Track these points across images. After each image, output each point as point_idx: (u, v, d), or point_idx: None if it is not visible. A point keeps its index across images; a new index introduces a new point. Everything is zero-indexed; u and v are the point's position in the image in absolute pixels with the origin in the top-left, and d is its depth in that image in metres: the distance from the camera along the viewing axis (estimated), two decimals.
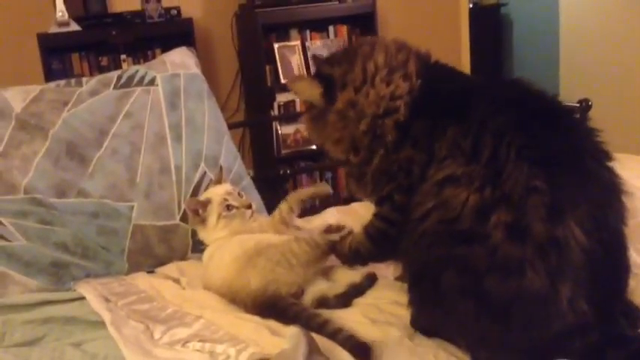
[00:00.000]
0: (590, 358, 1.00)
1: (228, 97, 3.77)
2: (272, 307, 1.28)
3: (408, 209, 1.16)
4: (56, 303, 1.44)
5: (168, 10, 3.37)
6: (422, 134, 1.16)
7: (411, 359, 1.10)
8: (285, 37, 3.80)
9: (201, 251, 1.57)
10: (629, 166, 1.89)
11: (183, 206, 1.68)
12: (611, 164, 1.08)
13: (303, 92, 1.35)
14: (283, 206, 1.61)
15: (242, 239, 1.46)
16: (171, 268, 1.63)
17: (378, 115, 1.21)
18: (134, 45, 3.38)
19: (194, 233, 1.65)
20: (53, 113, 1.64)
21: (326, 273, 1.43)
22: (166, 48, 2.04)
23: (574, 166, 1.03)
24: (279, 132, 3.64)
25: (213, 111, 1.88)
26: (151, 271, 1.64)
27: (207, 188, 1.67)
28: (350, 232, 1.40)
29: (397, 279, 1.39)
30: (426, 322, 1.18)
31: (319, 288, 1.36)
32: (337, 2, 3.78)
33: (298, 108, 3.74)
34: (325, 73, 1.31)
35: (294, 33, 3.81)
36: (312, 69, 1.43)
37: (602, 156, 1.09)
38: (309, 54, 3.61)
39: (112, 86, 1.75)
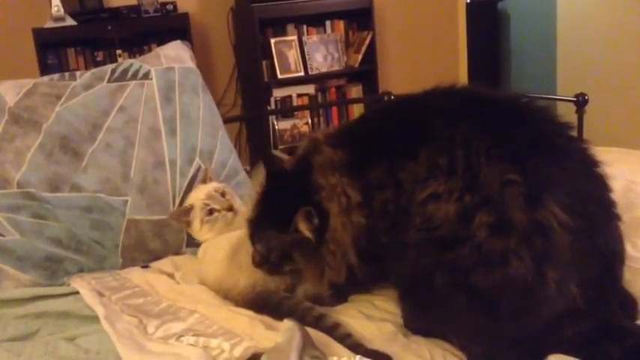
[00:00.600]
0: (586, 351, 1.00)
1: (225, 92, 3.77)
2: (264, 302, 1.28)
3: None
4: (50, 297, 1.44)
5: (164, 4, 3.36)
6: (382, 178, 1.14)
7: (406, 355, 1.09)
8: (281, 32, 3.79)
9: (196, 246, 1.57)
10: (626, 160, 1.89)
11: (177, 201, 1.67)
12: (576, 138, 1.12)
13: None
14: None
15: (231, 235, 1.46)
16: (165, 263, 1.62)
17: (356, 235, 1.18)
18: (130, 40, 3.38)
19: None
20: (47, 107, 1.63)
21: None
22: (162, 43, 2.04)
23: (542, 149, 1.04)
24: (276, 127, 3.63)
25: (208, 105, 1.87)
26: (145, 266, 1.63)
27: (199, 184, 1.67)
28: None
29: None
30: (420, 324, 1.18)
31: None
32: None
33: (295, 103, 3.74)
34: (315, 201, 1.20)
35: (290, 28, 3.81)
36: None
37: (566, 132, 1.11)
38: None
39: (106, 80, 1.74)
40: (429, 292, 1.06)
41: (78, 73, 1.76)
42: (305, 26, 3.84)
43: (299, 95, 3.79)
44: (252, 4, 3.49)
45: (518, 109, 1.14)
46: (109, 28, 3.28)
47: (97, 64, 3.24)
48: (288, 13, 3.71)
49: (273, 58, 3.69)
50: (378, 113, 1.34)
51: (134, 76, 1.76)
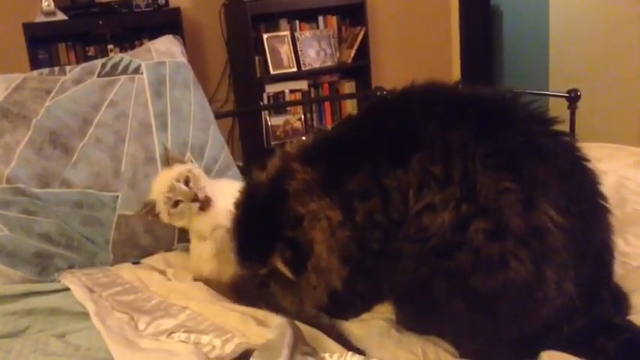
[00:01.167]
0: (581, 347, 1.00)
1: (218, 87, 3.76)
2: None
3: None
4: (40, 294, 1.42)
5: None
6: (365, 187, 1.10)
7: (398, 351, 1.09)
8: (274, 27, 3.79)
9: (188, 241, 1.55)
10: (618, 155, 1.90)
11: None
12: (564, 133, 1.10)
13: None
14: None
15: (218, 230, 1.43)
16: (157, 259, 1.61)
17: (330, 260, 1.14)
18: (121, 35, 3.36)
19: None
20: (36, 102, 1.61)
21: None
22: (154, 38, 2.02)
23: (534, 152, 1.03)
24: (269, 123, 3.63)
25: (200, 100, 1.86)
26: (136, 262, 1.62)
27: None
28: None
29: None
30: (415, 325, 1.16)
31: None
32: None
33: (288, 99, 3.73)
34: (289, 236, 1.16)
35: (283, 23, 3.81)
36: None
37: (554, 129, 1.10)
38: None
39: (96, 74, 1.72)
40: (428, 299, 1.05)
41: (68, 67, 1.75)
42: (298, 22, 3.84)
43: (292, 91, 3.79)
44: (245, 0, 3.48)
45: (506, 108, 1.11)
46: (100, 22, 3.26)
47: (88, 59, 3.21)
48: (281, 8, 3.71)
49: (265, 53, 3.68)
50: (358, 118, 1.28)
51: (124, 71, 1.75)
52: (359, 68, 3.90)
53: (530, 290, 0.97)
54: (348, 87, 3.98)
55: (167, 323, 1.24)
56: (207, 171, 1.74)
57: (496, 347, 1.04)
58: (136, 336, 1.21)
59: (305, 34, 3.82)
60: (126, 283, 1.47)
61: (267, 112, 3.67)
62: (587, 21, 3.79)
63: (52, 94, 1.64)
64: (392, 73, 4.00)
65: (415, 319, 1.15)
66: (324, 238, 1.12)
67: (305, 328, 1.12)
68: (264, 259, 1.16)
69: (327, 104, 3.98)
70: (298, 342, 1.06)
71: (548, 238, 0.97)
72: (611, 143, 2.02)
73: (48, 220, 1.52)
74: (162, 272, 1.53)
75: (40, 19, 3.22)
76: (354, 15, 3.94)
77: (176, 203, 1.42)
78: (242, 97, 3.79)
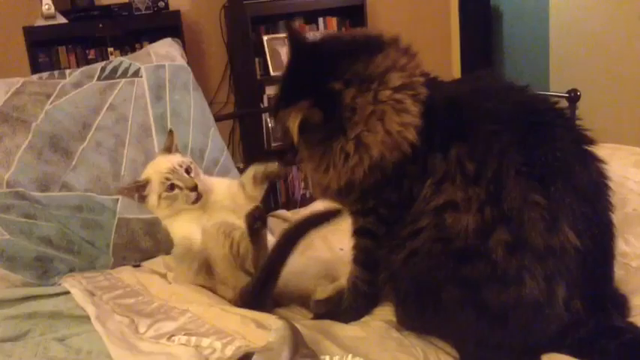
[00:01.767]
0: (582, 351, 1.00)
1: (218, 89, 3.75)
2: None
3: (391, 223, 1.13)
4: (40, 298, 1.43)
5: (155, 2, 3.34)
6: (422, 149, 1.08)
7: (399, 353, 1.09)
8: (274, 29, 3.78)
9: None
10: (618, 155, 1.90)
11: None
12: (599, 162, 1.08)
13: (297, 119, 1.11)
14: (247, 184, 1.49)
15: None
16: (157, 263, 1.62)
17: (383, 155, 1.09)
18: (122, 38, 3.36)
19: None
20: (36, 106, 1.62)
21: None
22: (154, 41, 2.03)
23: (567, 173, 1.02)
24: (269, 125, 3.62)
25: (199, 102, 1.86)
26: (136, 265, 1.62)
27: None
28: None
29: None
30: (417, 326, 1.16)
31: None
32: None
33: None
34: (331, 89, 1.10)
35: (283, 25, 3.79)
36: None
37: (590, 150, 1.08)
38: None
39: (96, 78, 1.73)
40: (435, 303, 1.05)
41: (67, 71, 1.75)
42: (298, 23, 3.83)
43: None
44: (245, 2, 3.47)
45: (554, 121, 1.08)
46: (101, 26, 3.26)
47: (88, 63, 3.22)
48: (281, 10, 3.70)
49: (265, 55, 3.67)
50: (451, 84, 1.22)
51: (124, 74, 1.76)
52: None
53: (541, 308, 0.98)
54: None
55: (168, 326, 1.24)
56: (208, 173, 1.73)
57: (497, 353, 1.04)
58: (137, 339, 1.21)
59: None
60: (126, 286, 1.47)
61: (267, 114, 3.66)
62: (587, 21, 3.78)
63: (51, 98, 1.64)
64: None
65: (418, 320, 1.14)
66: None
67: (305, 331, 1.11)
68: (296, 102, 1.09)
69: None
70: (298, 344, 1.06)
71: (564, 258, 0.98)
72: (611, 143, 2.02)
73: (48, 224, 1.53)
74: (163, 275, 1.53)
75: (41, 22, 3.22)
76: (354, 16, 3.93)
77: (172, 187, 1.39)
78: (242, 99, 3.78)
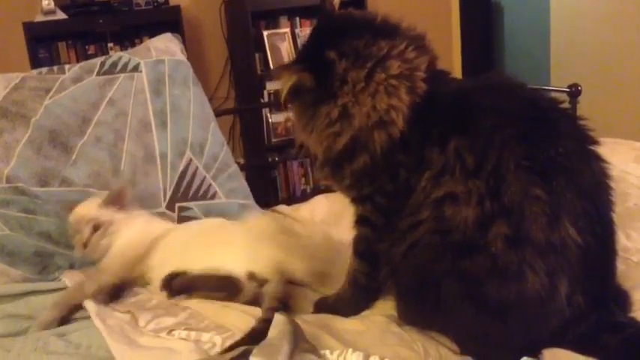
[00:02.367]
0: (583, 345, 1.00)
1: (218, 85, 3.75)
2: None
3: (390, 213, 1.14)
4: (40, 293, 1.42)
5: None
6: (415, 140, 1.10)
7: (399, 348, 1.08)
8: (274, 24, 3.77)
9: None
10: (619, 150, 1.89)
11: (168, 195, 1.66)
12: (601, 161, 1.09)
13: (290, 81, 1.17)
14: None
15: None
16: None
17: (366, 126, 1.12)
18: (121, 33, 3.35)
19: (181, 221, 1.64)
20: (35, 101, 1.62)
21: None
22: (154, 36, 2.02)
23: (569, 169, 1.02)
24: (270, 120, 3.61)
25: (199, 98, 1.86)
26: None
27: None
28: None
29: None
30: (417, 321, 1.16)
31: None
32: None
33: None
34: (328, 58, 1.14)
35: (283, 20, 3.79)
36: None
37: (593, 148, 1.09)
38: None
39: (95, 73, 1.72)
40: (435, 297, 1.05)
41: (67, 66, 1.75)
42: (298, 18, 3.82)
43: None
44: None
45: (557, 119, 1.09)
46: (101, 21, 3.25)
47: (88, 58, 3.17)
48: (281, 5, 3.69)
49: (266, 50, 3.67)
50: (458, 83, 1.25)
51: (123, 69, 1.75)
52: None
53: (543, 303, 0.98)
54: None
55: (168, 321, 1.24)
56: (208, 169, 1.74)
57: (498, 347, 1.04)
58: (137, 334, 1.21)
59: (305, 31, 3.80)
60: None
61: (267, 109, 3.66)
62: (588, 16, 3.77)
63: (51, 93, 1.64)
64: None
65: (419, 314, 1.14)
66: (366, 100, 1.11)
67: (305, 325, 1.11)
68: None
69: None
70: (298, 339, 1.06)
71: (565, 253, 0.98)
72: (612, 138, 2.02)
73: (48, 219, 1.53)
74: None
75: (40, 18, 3.21)
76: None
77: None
78: (243, 95, 3.78)
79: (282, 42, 3.72)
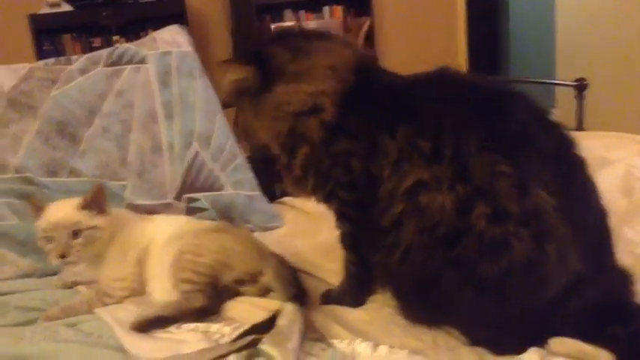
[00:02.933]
0: (591, 333, 1.00)
1: None
2: None
3: (361, 206, 1.16)
4: (47, 288, 1.42)
5: None
6: (358, 127, 1.15)
7: (407, 339, 1.09)
8: (279, 17, 3.78)
9: None
10: (626, 144, 1.89)
11: (176, 185, 1.66)
12: (556, 123, 1.12)
13: (235, 75, 1.26)
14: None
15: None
16: None
17: (301, 113, 1.20)
18: (126, 26, 3.36)
19: (189, 212, 1.64)
20: (42, 92, 1.63)
21: None
22: (158, 28, 2.02)
23: (529, 140, 1.05)
24: None
25: (206, 89, 1.86)
26: None
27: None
28: None
29: None
30: (421, 317, 1.16)
31: None
32: None
33: None
34: (268, 53, 1.25)
35: (288, 13, 3.79)
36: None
37: (547, 118, 1.12)
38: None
39: (102, 64, 1.73)
40: (437, 293, 1.05)
41: (73, 57, 1.76)
42: (303, 12, 3.83)
43: None
44: None
45: (504, 97, 1.12)
46: (105, 14, 3.26)
47: (92, 50, 3.19)
48: None
49: None
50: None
51: (130, 61, 1.76)
52: None
53: (533, 266, 0.98)
54: None
55: None
56: (214, 160, 1.74)
57: (505, 333, 1.05)
58: None
59: (310, 25, 3.80)
60: None
61: None
62: (594, 10, 3.76)
63: (58, 84, 1.65)
64: (398, 63, 3.93)
65: (423, 312, 1.14)
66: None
67: (314, 315, 1.12)
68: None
69: None
70: (308, 328, 1.06)
71: (544, 217, 0.99)
72: (619, 132, 2.01)
73: None
74: None
75: (45, 10, 3.22)
76: (359, 5, 3.92)
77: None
78: None
79: None
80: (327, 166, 1.19)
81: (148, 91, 1.73)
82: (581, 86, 2.33)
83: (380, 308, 1.20)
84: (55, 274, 1.49)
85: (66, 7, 3.24)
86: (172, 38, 1.89)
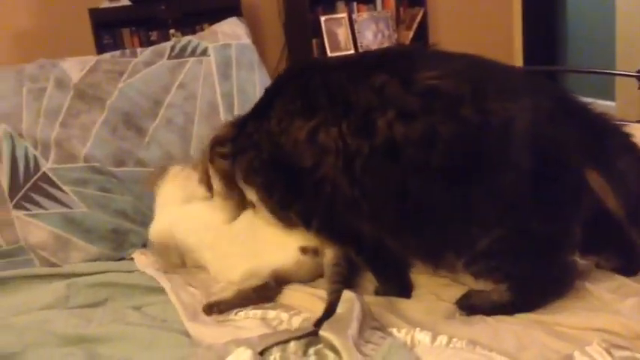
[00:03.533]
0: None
1: (275, 71, 3.78)
2: None
3: (319, 207, 1.19)
4: (117, 272, 1.47)
5: None
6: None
7: (466, 329, 1.07)
8: (331, 9, 3.78)
9: None
10: None
11: None
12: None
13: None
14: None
15: None
16: None
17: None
18: (182, 19, 3.42)
19: None
20: (110, 83, 1.67)
21: None
22: (214, 22, 2.07)
23: (390, 58, 1.17)
24: None
25: (264, 81, 1.88)
26: None
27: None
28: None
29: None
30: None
31: None
32: None
33: None
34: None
35: (340, 5, 3.79)
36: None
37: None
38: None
39: (166, 57, 1.77)
40: (415, 207, 1.07)
41: (139, 50, 1.81)
42: (355, 3, 3.82)
43: None
44: None
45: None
46: (162, 7, 3.33)
47: (150, 44, 3.28)
48: None
49: (323, 36, 3.68)
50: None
51: (192, 53, 1.80)
52: None
53: (477, 133, 1.02)
54: None
55: None
56: None
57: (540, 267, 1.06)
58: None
59: (362, 16, 3.80)
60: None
61: None
62: None
63: (124, 76, 1.70)
64: None
65: (423, 241, 1.13)
66: None
67: (371, 306, 1.13)
68: None
69: None
70: (367, 316, 1.07)
71: (441, 90, 1.03)
72: None
73: (124, 198, 1.58)
74: None
75: (105, 4, 3.31)
76: None
77: None
78: None
79: (339, 27, 3.73)
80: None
81: (209, 83, 1.76)
82: None
83: (436, 301, 1.20)
84: (121, 259, 1.56)
85: (125, 2, 3.32)
86: (232, 31, 1.93)
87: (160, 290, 1.34)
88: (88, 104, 1.63)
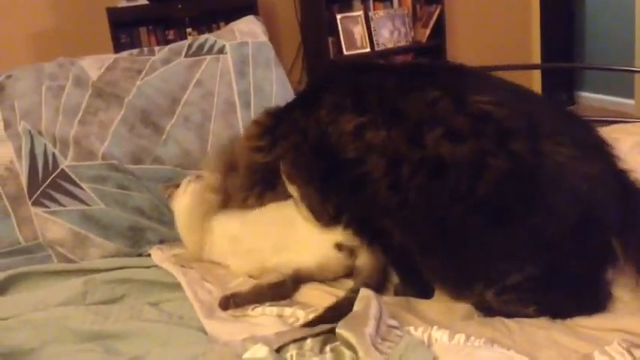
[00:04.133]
0: None
1: (291, 68, 3.78)
2: None
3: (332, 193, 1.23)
4: (134, 267, 1.48)
5: None
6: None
7: (483, 329, 1.07)
8: (347, 7, 3.77)
9: None
10: None
11: None
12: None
13: None
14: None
15: None
16: None
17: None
18: (199, 18, 3.43)
19: None
20: (127, 81, 1.68)
21: None
22: (230, 21, 2.07)
23: (447, 72, 1.23)
24: None
25: (281, 79, 1.89)
26: None
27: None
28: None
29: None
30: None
31: None
32: None
33: None
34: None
35: (356, 3, 3.78)
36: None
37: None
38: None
39: (183, 55, 1.78)
40: (449, 232, 1.07)
41: (156, 48, 1.82)
42: (371, 1, 3.81)
43: None
44: None
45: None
46: (179, 6, 3.34)
47: (167, 43, 3.29)
48: None
49: (339, 34, 3.68)
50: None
51: (209, 51, 1.80)
52: (434, 48, 3.83)
53: (529, 169, 1.01)
54: None
55: None
56: None
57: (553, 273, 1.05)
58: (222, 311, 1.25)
59: (379, 14, 3.78)
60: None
61: None
62: None
63: (142, 74, 1.70)
64: (468, 52, 3.90)
65: (451, 266, 1.13)
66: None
67: (389, 304, 1.13)
68: None
69: None
70: (383, 314, 1.07)
71: (493, 116, 1.03)
72: None
73: (141, 195, 1.59)
74: None
75: (123, 3, 3.33)
76: None
77: None
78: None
79: (356, 25, 3.72)
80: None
81: (226, 81, 1.77)
82: None
83: (454, 302, 1.19)
84: (139, 256, 1.57)
85: (142, 1, 3.34)
86: (249, 29, 1.93)
87: (177, 286, 1.35)
88: (106, 102, 1.64)
